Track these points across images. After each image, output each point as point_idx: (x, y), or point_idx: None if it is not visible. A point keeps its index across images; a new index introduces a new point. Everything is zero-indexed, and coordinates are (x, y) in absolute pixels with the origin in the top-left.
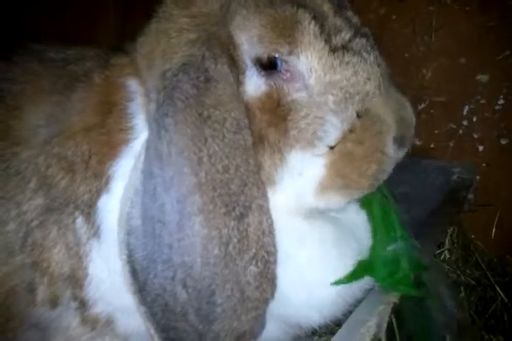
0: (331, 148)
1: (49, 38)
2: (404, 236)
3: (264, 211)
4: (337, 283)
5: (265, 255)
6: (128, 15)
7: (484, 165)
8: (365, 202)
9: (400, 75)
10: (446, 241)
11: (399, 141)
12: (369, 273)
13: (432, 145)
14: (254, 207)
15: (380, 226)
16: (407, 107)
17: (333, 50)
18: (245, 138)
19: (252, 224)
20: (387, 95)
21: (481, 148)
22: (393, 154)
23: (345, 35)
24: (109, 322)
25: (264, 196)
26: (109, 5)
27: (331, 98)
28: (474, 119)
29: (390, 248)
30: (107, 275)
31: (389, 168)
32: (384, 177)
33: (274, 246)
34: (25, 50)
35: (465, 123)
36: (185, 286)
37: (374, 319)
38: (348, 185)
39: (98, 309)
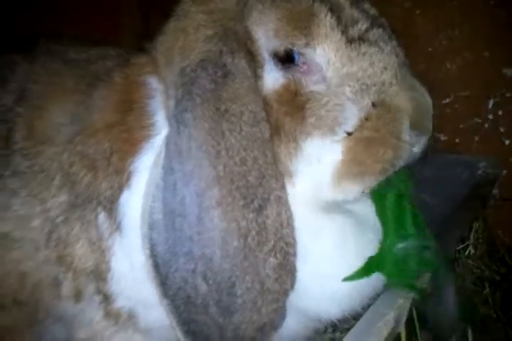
0: (349, 134)
1: (72, 39)
2: (415, 235)
3: (283, 202)
4: (347, 279)
5: (284, 246)
6: (150, 15)
7: (511, 159)
8: (379, 197)
9: (424, 70)
10: (471, 236)
11: (417, 128)
12: (379, 269)
13: (457, 140)
14: (272, 198)
15: (391, 223)
16: (424, 94)
17: (350, 41)
18: (262, 131)
19: (270, 215)
20: (403, 84)
21: (507, 142)
22: (410, 140)
23: (362, 26)
24: (131, 317)
25: (283, 188)
26: (130, 6)
27: (348, 89)
28: (500, 113)
29: (401, 246)
30: (128, 269)
31: (405, 154)
32: (400, 163)
33: (293, 237)
34: (48, 51)
35: (490, 117)
36: (205, 278)
37: (392, 313)
38: (362, 172)
39: (120, 303)
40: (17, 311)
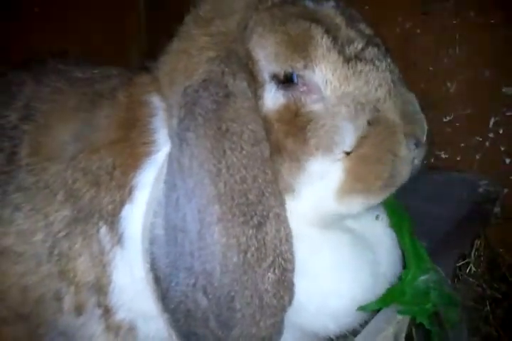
0: (347, 154)
1: (78, 57)
2: (435, 269)
3: (282, 219)
4: (364, 308)
5: (282, 262)
6: (157, 39)
7: (511, 177)
8: (398, 231)
9: (425, 89)
10: (472, 254)
11: (413, 139)
12: (399, 300)
13: (458, 158)
14: (271, 215)
15: (411, 256)
16: (415, 105)
17: (347, 60)
18: (262, 150)
19: (269, 232)
20: (396, 99)
21: (507, 160)
22: (408, 154)
23: (358, 44)
24: (131, 329)
25: (282, 205)
26: (137, 29)
27: (344, 109)
28: (500, 132)
29: (422, 278)
30: (129, 282)
31: (404, 169)
32: (400, 179)
33: (292, 253)
34: (54, 71)
35: (491, 135)
36: (205, 293)
37: (391, 328)
38: (366, 188)
39: (121, 315)
40: (20, 325)
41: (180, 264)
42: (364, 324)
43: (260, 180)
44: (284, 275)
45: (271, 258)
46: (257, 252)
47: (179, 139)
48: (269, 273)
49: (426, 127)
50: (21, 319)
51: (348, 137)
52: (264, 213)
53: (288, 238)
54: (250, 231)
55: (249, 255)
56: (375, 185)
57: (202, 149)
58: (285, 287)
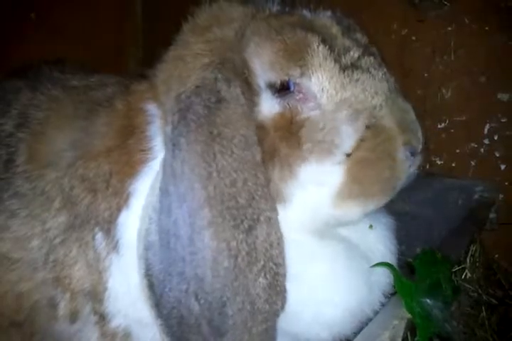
0: (348, 155)
1: (74, 64)
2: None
3: (273, 223)
4: None
5: (274, 267)
6: (153, 44)
7: (507, 183)
8: None
9: (421, 95)
10: (468, 260)
11: (409, 147)
12: None
13: (453, 165)
14: (262, 219)
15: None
16: (411, 114)
17: (343, 68)
18: (253, 154)
19: (260, 236)
20: (393, 107)
21: (503, 166)
22: (405, 160)
23: (354, 53)
24: (126, 336)
25: (273, 209)
26: (135, 35)
27: (342, 113)
28: (496, 138)
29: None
30: (125, 289)
31: (402, 174)
32: (398, 183)
33: (283, 258)
34: (49, 78)
35: (486, 141)
36: (197, 298)
37: (387, 333)
38: (364, 192)
39: (116, 322)
40: (14, 333)
41: (173, 270)
42: (358, 332)
43: (250, 184)
44: (276, 280)
45: (262, 262)
46: (248, 256)
47: (172, 145)
48: (261, 278)
49: (422, 137)
50: (15, 326)
51: (348, 139)
52: (255, 217)
53: (279, 242)
54: (241, 236)
55: (239, 259)
56: (372, 188)
57: (193, 153)
58: (277, 292)
